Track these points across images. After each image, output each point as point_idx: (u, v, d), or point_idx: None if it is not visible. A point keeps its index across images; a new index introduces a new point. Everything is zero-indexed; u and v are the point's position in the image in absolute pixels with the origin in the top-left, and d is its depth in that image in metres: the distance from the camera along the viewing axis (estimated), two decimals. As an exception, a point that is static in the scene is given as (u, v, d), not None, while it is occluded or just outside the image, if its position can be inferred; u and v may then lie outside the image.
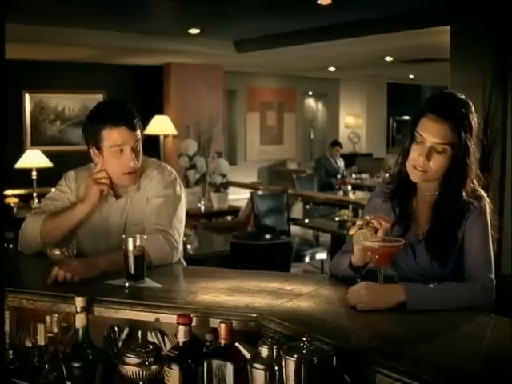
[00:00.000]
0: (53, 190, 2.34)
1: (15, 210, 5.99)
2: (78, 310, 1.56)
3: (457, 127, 1.69)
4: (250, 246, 4.16)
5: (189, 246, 4.20)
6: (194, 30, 7.27)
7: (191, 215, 5.42)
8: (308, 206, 8.32)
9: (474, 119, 1.75)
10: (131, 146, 2.16)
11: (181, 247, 2.18)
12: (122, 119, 2.15)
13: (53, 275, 1.86)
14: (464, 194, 1.76)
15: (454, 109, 1.73)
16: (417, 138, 1.74)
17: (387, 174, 2.11)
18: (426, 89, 14.94)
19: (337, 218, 5.88)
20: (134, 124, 2.18)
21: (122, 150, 2.15)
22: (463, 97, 1.78)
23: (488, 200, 1.79)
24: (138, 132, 2.20)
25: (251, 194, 6.41)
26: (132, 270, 1.87)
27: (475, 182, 1.80)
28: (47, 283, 1.84)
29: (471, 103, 1.78)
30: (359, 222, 1.71)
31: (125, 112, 2.19)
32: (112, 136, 2.14)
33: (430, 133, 1.71)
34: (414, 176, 1.77)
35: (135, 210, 2.24)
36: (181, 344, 1.44)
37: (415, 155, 1.74)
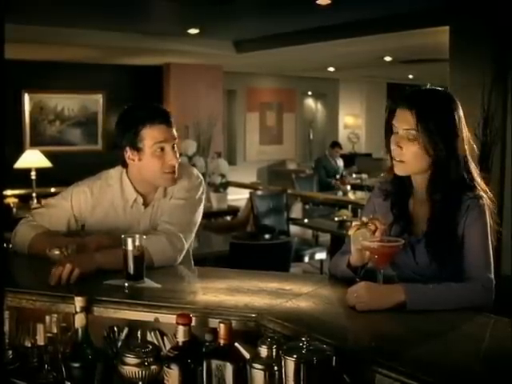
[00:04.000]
0: (52, 189, 2.33)
1: (14, 210, 5.97)
2: (78, 310, 1.55)
3: (422, 114, 1.71)
4: (249, 246, 4.16)
5: (188, 246, 4.19)
6: (194, 30, 7.28)
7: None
8: (307, 206, 8.32)
9: (456, 114, 1.74)
10: (172, 144, 2.16)
11: (186, 248, 2.15)
12: (161, 116, 2.16)
13: (55, 274, 1.83)
14: (449, 188, 1.74)
15: (420, 97, 1.77)
16: (394, 129, 1.78)
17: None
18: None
19: (336, 218, 5.89)
20: (172, 121, 2.18)
21: (162, 149, 2.14)
22: (443, 90, 1.80)
23: (489, 200, 1.78)
24: (175, 130, 2.20)
25: (250, 194, 6.42)
26: (131, 270, 1.87)
27: (478, 180, 1.79)
28: (51, 284, 1.82)
29: (454, 98, 1.78)
30: (357, 223, 1.71)
31: (161, 110, 2.20)
32: (153, 134, 2.13)
33: (399, 120, 1.75)
34: (396, 168, 1.80)
35: (159, 214, 2.22)
36: (180, 344, 1.44)
37: (392, 146, 1.78)
